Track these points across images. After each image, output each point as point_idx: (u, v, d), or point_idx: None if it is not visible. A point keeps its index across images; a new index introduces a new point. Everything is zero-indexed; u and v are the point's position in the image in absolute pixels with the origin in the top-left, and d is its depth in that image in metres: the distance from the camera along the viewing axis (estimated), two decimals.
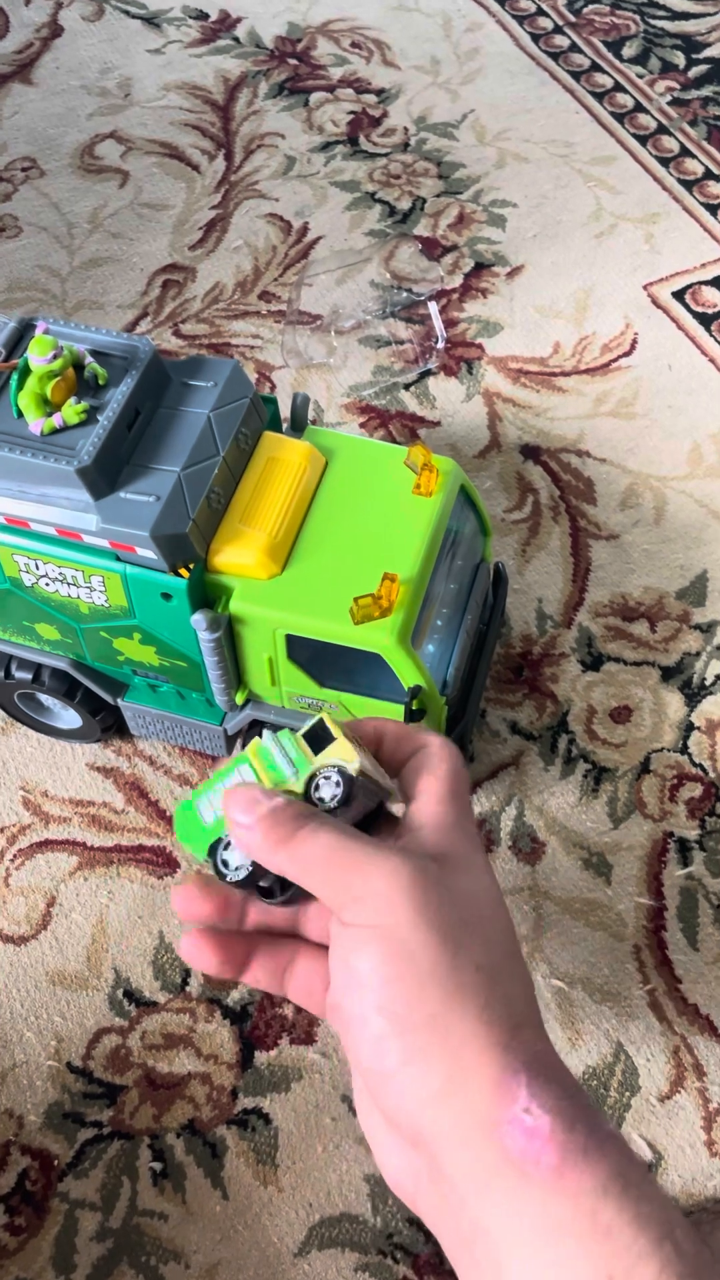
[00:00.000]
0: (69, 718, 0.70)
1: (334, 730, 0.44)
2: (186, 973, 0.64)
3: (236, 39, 1.16)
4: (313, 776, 0.44)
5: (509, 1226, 0.37)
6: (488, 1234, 0.37)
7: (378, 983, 0.39)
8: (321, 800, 0.44)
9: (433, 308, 0.91)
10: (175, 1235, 0.57)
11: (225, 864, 0.44)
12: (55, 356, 0.53)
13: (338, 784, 0.44)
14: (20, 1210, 0.58)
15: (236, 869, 0.44)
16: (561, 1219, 0.36)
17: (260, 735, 0.44)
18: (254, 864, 0.44)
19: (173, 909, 0.45)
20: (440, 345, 0.90)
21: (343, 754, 0.44)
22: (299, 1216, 0.57)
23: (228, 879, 0.44)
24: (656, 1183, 0.38)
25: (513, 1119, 0.37)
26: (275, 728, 0.62)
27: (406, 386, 0.89)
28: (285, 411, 0.65)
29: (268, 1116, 0.60)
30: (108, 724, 0.69)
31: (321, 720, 0.44)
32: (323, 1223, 0.57)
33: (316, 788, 0.44)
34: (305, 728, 0.44)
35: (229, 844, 0.45)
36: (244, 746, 0.64)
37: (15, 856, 0.68)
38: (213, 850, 0.45)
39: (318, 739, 0.44)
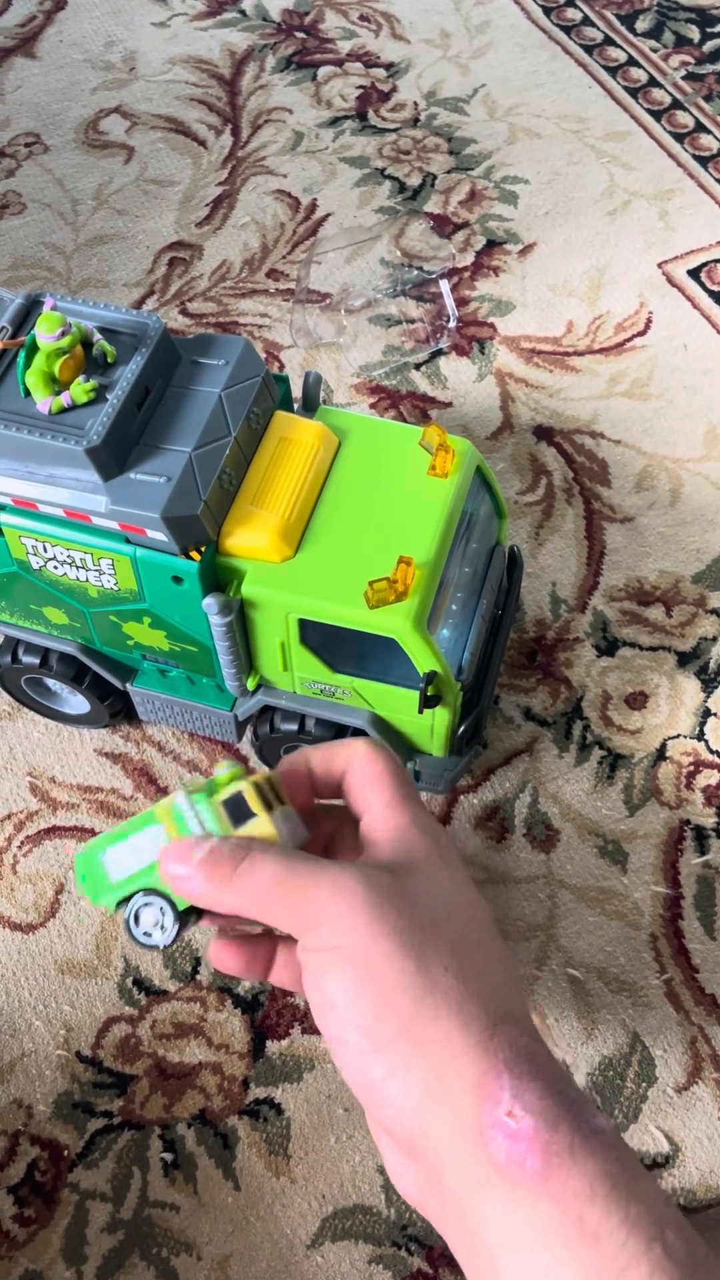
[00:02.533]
0: (77, 703, 0.69)
1: (254, 805, 0.43)
2: (197, 961, 0.63)
3: (243, 12, 1.14)
4: None
5: (500, 1234, 0.37)
6: (483, 1242, 0.37)
7: (348, 1002, 0.39)
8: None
9: (444, 286, 0.89)
10: (187, 1226, 0.56)
11: (147, 935, 0.45)
12: (63, 334, 0.52)
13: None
14: (30, 1201, 0.57)
15: (146, 935, 0.45)
16: (550, 1225, 0.35)
17: (174, 792, 0.44)
18: (176, 930, 0.45)
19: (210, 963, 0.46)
20: (451, 324, 0.89)
21: (263, 832, 0.43)
22: (311, 1208, 0.57)
23: (141, 943, 0.45)
24: (648, 1177, 0.37)
25: (496, 1123, 0.37)
26: (287, 713, 0.62)
27: (417, 366, 0.87)
28: (296, 391, 0.64)
29: (280, 1107, 0.59)
30: (116, 709, 0.68)
31: (241, 794, 0.43)
32: (336, 1214, 0.57)
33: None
34: (225, 794, 0.44)
35: (142, 907, 0.45)
36: (255, 733, 0.64)
37: (23, 843, 0.67)
38: (122, 905, 0.46)
39: (239, 811, 0.44)
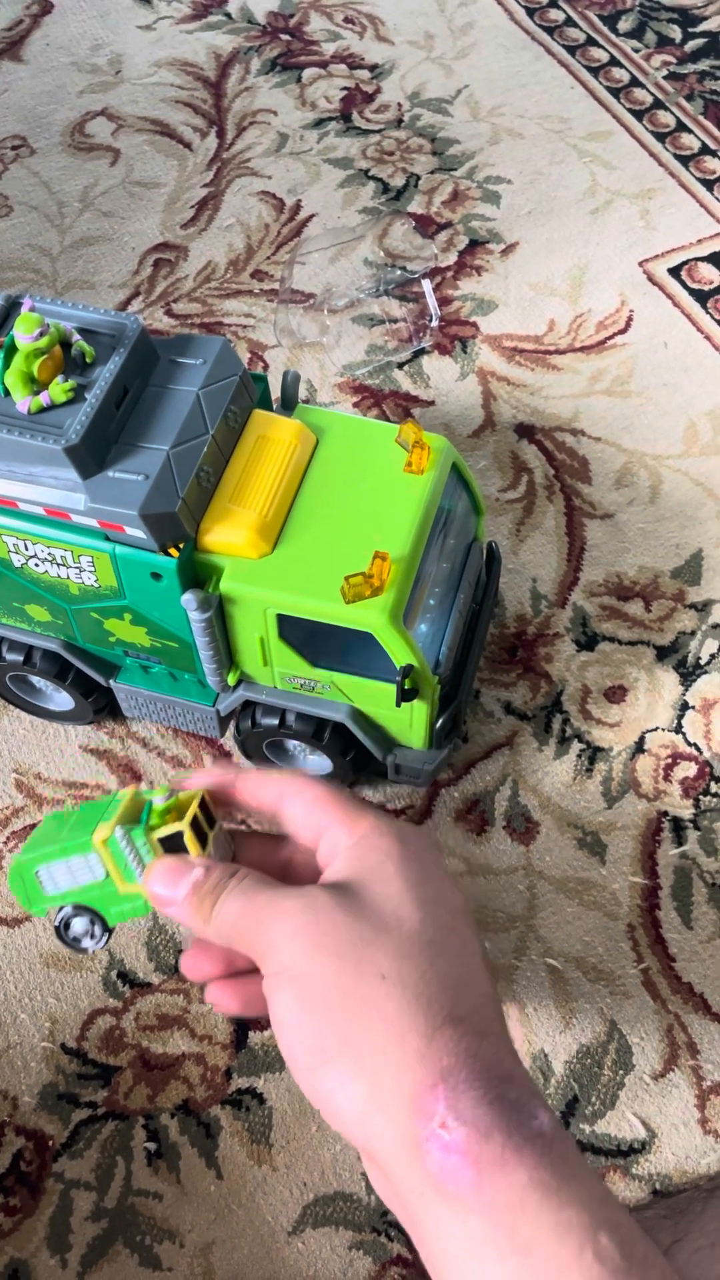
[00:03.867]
0: (61, 700, 0.70)
1: (192, 848, 0.45)
2: (180, 953, 0.64)
3: (228, 15, 1.15)
4: None
5: (441, 1245, 0.37)
6: (430, 1250, 0.37)
7: (294, 1021, 0.40)
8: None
9: (427, 285, 0.90)
10: (170, 1215, 0.57)
11: (75, 940, 0.49)
12: (41, 334, 0.53)
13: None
14: (15, 1191, 0.58)
15: (76, 940, 0.49)
16: (483, 1237, 0.35)
17: (113, 825, 0.46)
18: (106, 939, 0.49)
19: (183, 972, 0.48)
20: (434, 324, 0.89)
21: None
22: (293, 1195, 0.58)
23: (73, 947, 0.49)
24: (586, 1176, 0.36)
25: (430, 1135, 0.36)
26: (268, 708, 0.62)
27: (400, 365, 0.88)
28: (276, 391, 0.64)
29: (262, 1096, 0.60)
30: (100, 706, 0.68)
31: (180, 836, 0.45)
32: (317, 1201, 0.57)
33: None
34: (163, 831, 0.46)
35: (71, 917, 0.49)
36: (237, 728, 0.65)
37: (9, 839, 0.68)
38: (53, 914, 0.49)
39: (176, 850, 0.46)
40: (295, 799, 0.46)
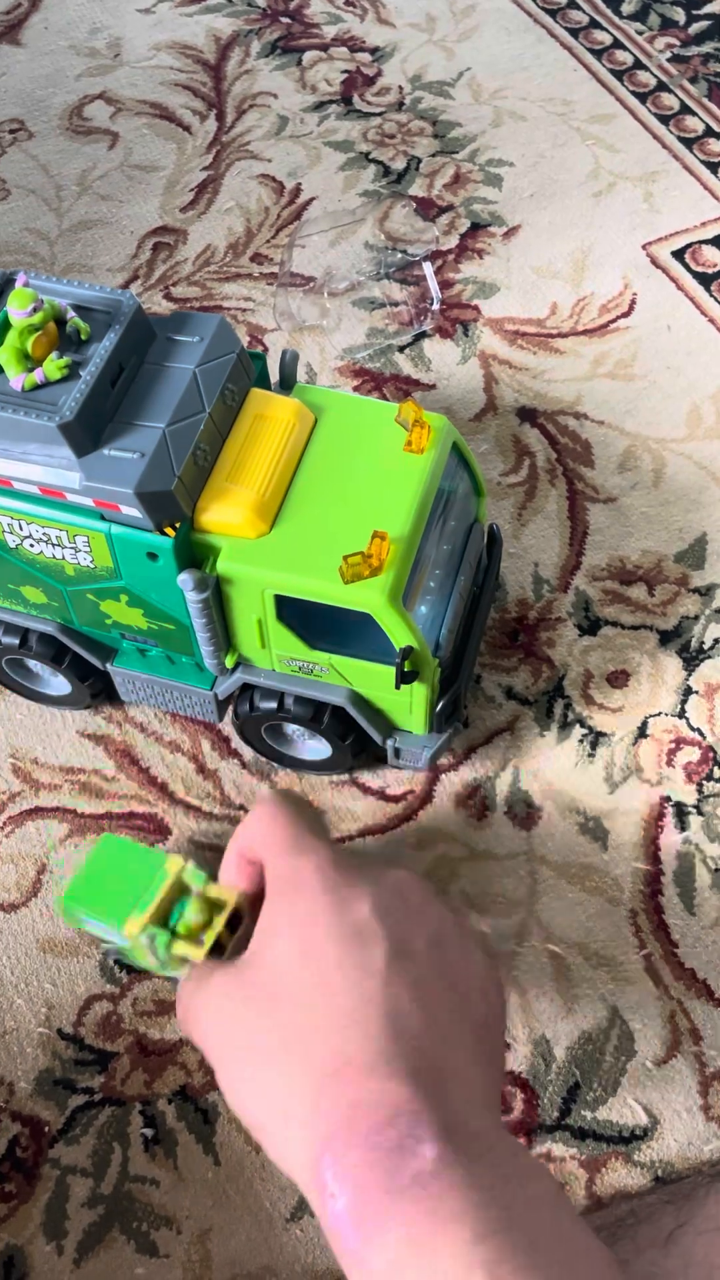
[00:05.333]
0: (58, 684, 0.69)
1: (195, 954, 0.50)
2: None
3: None
4: None
5: None
6: None
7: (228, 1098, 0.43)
8: None
9: (428, 269, 0.89)
10: (167, 1201, 0.57)
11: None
12: (35, 310, 0.52)
13: None
14: (10, 1177, 0.58)
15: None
16: None
17: (144, 922, 0.51)
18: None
19: None
20: (435, 307, 0.89)
21: None
22: (291, 1182, 0.56)
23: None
24: (465, 1215, 0.36)
25: (325, 1204, 0.38)
26: (267, 691, 0.62)
27: (401, 349, 0.88)
28: (275, 374, 0.64)
29: None
30: (96, 690, 0.68)
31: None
32: None
33: None
34: (180, 951, 0.50)
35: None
36: (235, 712, 0.64)
37: (5, 824, 0.67)
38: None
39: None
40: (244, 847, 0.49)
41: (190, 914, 0.53)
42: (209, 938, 0.52)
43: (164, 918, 0.54)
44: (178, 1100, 0.59)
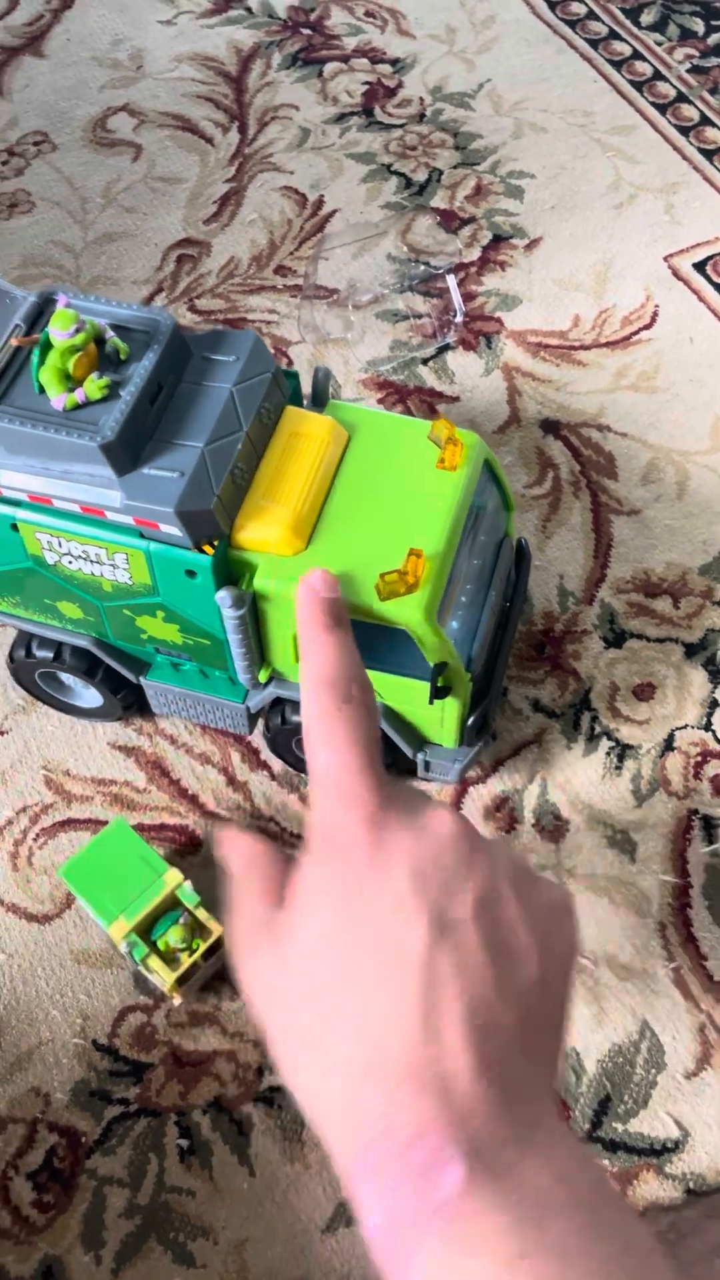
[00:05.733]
0: (90, 696, 0.70)
1: (167, 975, 0.60)
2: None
3: (249, 9, 1.15)
4: None
5: None
6: None
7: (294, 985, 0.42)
8: None
9: (451, 281, 0.90)
10: (203, 1212, 0.57)
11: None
12: (77, 331, 0.52)
13: None
14: (48, 1187, 0.58)
15: None
16: None
17: (129, 930, 0.61)
18: None
19: None
20: (458, 319, 0.89)
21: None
22: (326, 1193, 0.57)
23: None
24: (488, 1243, 0.36)
25: (364, 1220, 0.37)
26: (298, 705, 0.62)
27: (425, 361, 0.88)
28: (306, 388, 0.64)
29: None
30: (128, 702, 0.68)
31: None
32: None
33: None
34: (153, 969, 0.60)
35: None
36: (266, 725, 0.65)
37: (38, 835, 0.68)
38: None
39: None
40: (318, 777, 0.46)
41: (173, 935, 0.59)
42: (184, 961, 0.59)
43: (149, 926, 0.60)
44: (212, 1111, 0.60)
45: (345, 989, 0.40)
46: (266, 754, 0.70)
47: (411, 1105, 0.37)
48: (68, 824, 0.68)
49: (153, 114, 1.05)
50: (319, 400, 0.62)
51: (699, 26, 1.13)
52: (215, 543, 0.55)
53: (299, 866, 0.43)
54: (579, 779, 0.69)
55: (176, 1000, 0.61)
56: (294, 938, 0.42)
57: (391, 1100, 0.38)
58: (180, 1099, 0.60)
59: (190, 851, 0.67)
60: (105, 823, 0.68)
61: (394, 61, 1.10)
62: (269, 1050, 0.42)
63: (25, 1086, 0.60)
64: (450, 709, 0.60)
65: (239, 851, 0.46)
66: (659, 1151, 0.59)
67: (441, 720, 0.61)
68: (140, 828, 0.68)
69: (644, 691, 0.73)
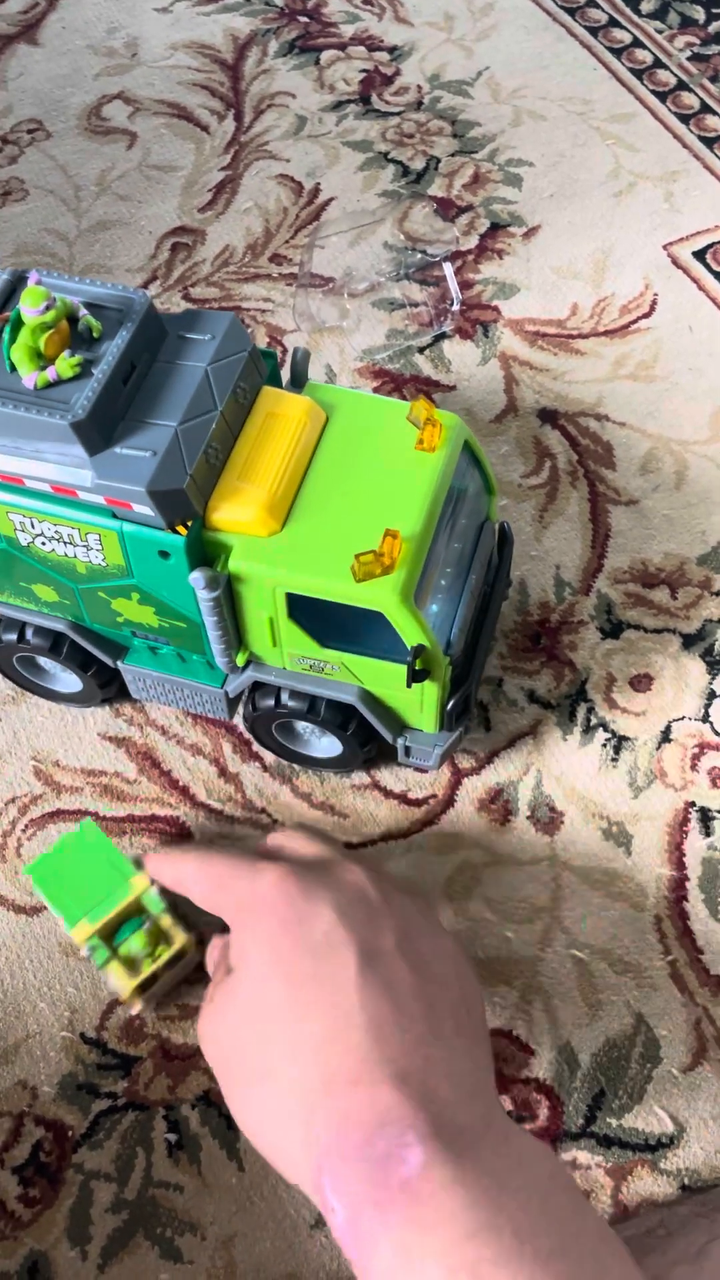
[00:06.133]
0: (69, 681, 0.69)
1: (127, 984, 0.59)
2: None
3: None
4: None
5: None
6: None
7: (236, 1024, 0.45)
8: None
9: (448, 269, 0.89)
10: (191, 1207, 0.56)
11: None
12: (48, 308, 0.52)
13: None
14: (34, 1182, 0.57)
15: None
16: None
17: (91, 933, 0.60)
18: None
19: None
20: (455, 307, 0.88)
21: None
22: None
23: None
24: (449, 1219, 0.37)
25: (329, 1219, 0.39)
26: (277, 689, 0.61)
27: (421, 350, 0.87)
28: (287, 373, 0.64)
29: None
30: (103, 681, 0.67)
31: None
32: None
33: None
34: (112, 975, 0.59)
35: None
36: (253, 707, 0.64)
37: (27, 826, 0.67)
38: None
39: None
40: (195, 884, 0.51)
41: (135, 942, 0.58)
42: (145, 969, 0.58)
43: (113, 931, 0.59)
44: (201, 1105, 0.59)
45: (290, 1016, 0.43)
46: (258, 745, 0.69)
47: (371, 1098, 0.39)
48: (57, 815, 0.67)
49: (148, 102, 1.05)
50: (297, 381, 0.62)
51: (699, 14, 1.12)
52: (189, 523, 0.54)
53: (230, 938, 0.48)
54: (575, 771, 0.68)
55: (135, 1008, 0.60)
56: (236, 988, 0.45)
57: (350, 1100, 0.40)
58: (169, 1093, 0.59)
59: (182, 842, 0.66)
60: (95, 814, 0.67)
61: (391, 49, 1.09)
62: (223, 1096, 0.46)
63: (12, 1080, 0.60)
64: (429, 693, 0.59)
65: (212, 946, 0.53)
66: (654, 1147, 0.58)
67: (421, 705, 0.60)
68: (130, 819, 0.67)
69: (641, 683, 0.71)
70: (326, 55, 1.08)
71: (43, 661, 0.69)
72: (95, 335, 0.54)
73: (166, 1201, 0.56)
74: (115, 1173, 0.57)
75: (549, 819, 0.67)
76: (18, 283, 0.56)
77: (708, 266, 0.92)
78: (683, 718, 0.70)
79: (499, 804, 0.67)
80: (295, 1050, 0.42)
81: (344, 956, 0.44)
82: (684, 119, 1.02)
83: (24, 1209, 0.57)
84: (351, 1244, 0.38)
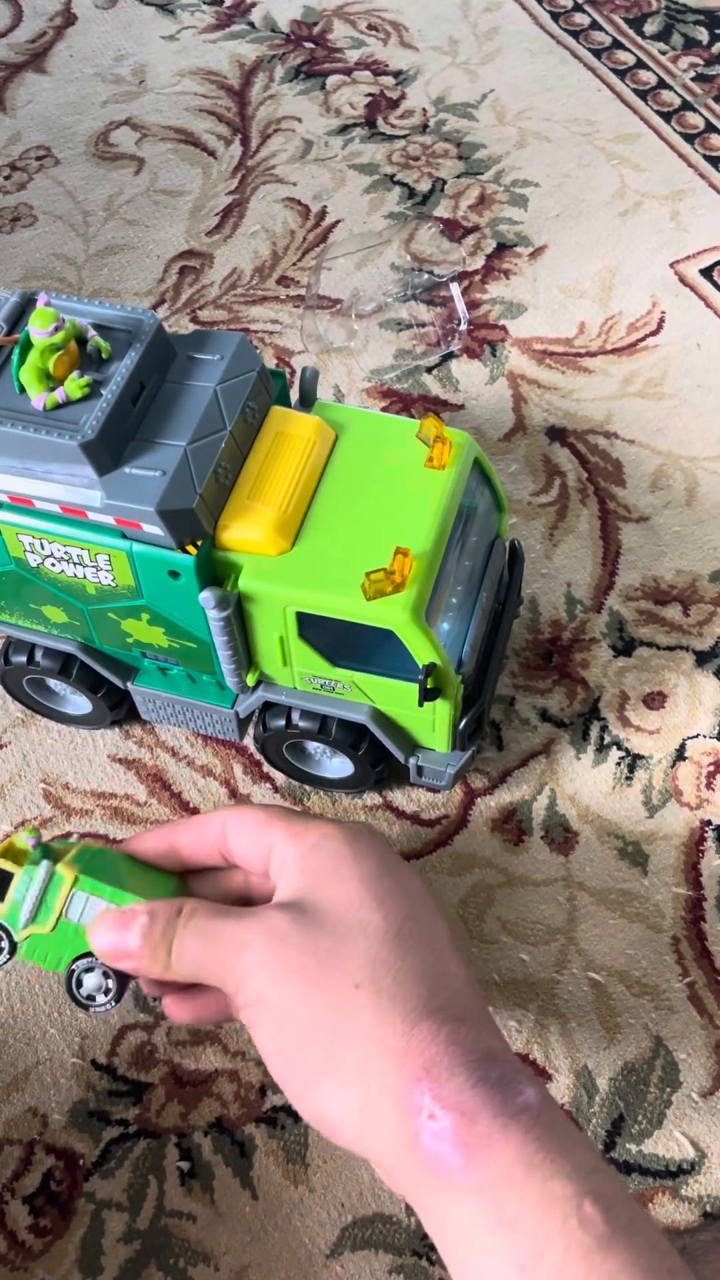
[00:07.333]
0: (79, 703, 0.69)
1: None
2: None
3: (251, 24, 1.15)
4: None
5: (441, 1230, 0.38)
6: (435, 1236, 0.39)
7: (277, 1049, 0.42)
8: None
9: (454, 289, 0.89)
10: (204, 1236, 0.55)
11: (90, 999, 0.49)
12: (57, 329, 0.52)
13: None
14: (45, 1211, 0.56)
15: (91, 998, 0.49)
16: (474, 1216, 0.37)
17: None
18: (116, 986, 0.49)
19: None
20: (463, 327, 0.88)
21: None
22: (330, 1217, 0.56)
23: (92, 1010, 0.49)
24: (575, 1147, 0.38)
25: (420, 1127, 0.38)
26: (288, 709, 0.61)
27: (429, 369, 0.87)
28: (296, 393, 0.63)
29: (297, 1114, 0.58)
30: (113, 703, 0.67)
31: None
32: (355, 1223, 0.56)
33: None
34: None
35: (82, 973, 0.49)
36: (264, 727, 0.63)
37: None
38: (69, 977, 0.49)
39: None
40: (237, 827, 0.48)
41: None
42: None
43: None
44: (214, 1132, 0.58)
45: (396, 945, 0.42)
46: (269, 766, 0.69)
47: (478, 1035, 0.40)
48: (67, 837, 0.67)
49: (155, 128, 1.05)
50: (306, 401, 0.62)
51: (703, 35, 1.12)
52: (199, 543, 0.54)
53: (295, 863, 0.46)
54: (589, 790, 0.68)
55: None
56: (319, 907, 0.44)
57: (457, 1032, 0.40)
58: (181, 1119, 0.58)
59: None
60: (105, 836, 0.67)
61: (397, 73, 1.09)
62: (263, 994, 0.43)
63: (22, 1107, 0.59)
64: (441, 712, 0.58)
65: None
66: (674, 1173, 0.57)
67: (433, 724, 0.60)
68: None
69: (654, 700, 0.71)
70: (332, 80, 1.09)
71: (52, 683, 0.68)
72: (104, 356, 0.54)
73: (179, 1231, 0.56)
74: (127, 1202, 0.56)
75: (563, 839, 0.66)
76: (27, 305, 0.57)
77: (715, 284, 0.92)
78: (697, 735, 0.70)
79: (512, 824, 0.67)
80: (402, 971, 0.41)
81: (427, 902, 0.44)
82: (689, 138, 1.03)
83: (35, 1239, 0.56)
84: (452, 1150, 0.37)
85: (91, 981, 0.49)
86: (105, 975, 0.49)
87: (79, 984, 0.49)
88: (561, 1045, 0.60)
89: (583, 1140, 0.38)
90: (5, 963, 0.49)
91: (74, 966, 0.49)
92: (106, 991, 0.49)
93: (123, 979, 0.49)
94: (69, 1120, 0.58)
